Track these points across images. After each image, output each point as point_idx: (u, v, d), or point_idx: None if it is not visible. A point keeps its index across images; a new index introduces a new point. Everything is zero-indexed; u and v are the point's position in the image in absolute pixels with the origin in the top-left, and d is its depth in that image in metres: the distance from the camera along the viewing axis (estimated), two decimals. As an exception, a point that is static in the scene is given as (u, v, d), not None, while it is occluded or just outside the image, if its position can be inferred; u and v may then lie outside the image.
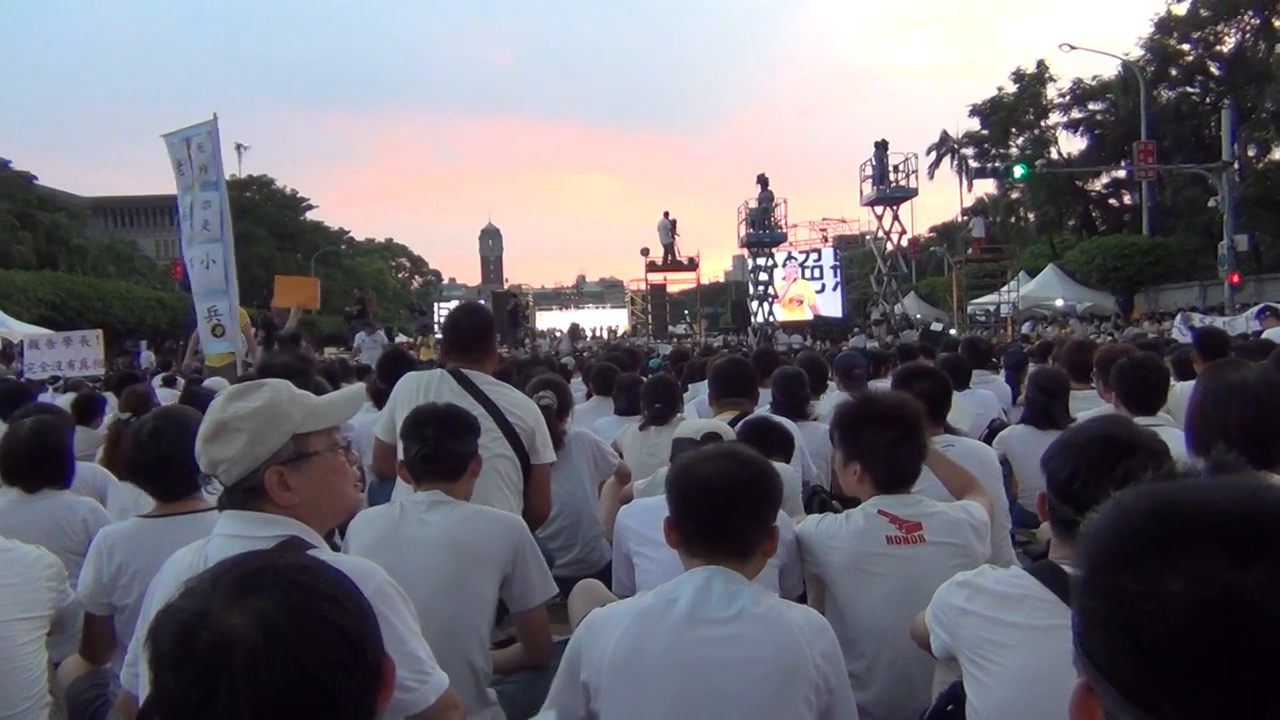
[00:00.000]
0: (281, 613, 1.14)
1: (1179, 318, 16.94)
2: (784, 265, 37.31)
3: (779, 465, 3.90)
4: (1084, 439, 2.24)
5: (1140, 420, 4.07)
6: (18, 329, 30.32)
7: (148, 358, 26.74)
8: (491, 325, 4.41)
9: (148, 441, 3.06)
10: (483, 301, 44.07)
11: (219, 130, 9.30)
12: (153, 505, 3.13)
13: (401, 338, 30.49)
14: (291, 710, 1.11)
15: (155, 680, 1.13)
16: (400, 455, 3.23)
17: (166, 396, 8.67)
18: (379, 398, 5.35)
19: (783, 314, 36.39)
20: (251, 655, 1.10)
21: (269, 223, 62.35)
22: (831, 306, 37.47)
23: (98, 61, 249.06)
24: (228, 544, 2.03)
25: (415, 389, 3.91)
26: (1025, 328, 29.45)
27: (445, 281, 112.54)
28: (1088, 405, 5.30)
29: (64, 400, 8.26)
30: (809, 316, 36.98)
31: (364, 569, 1.99)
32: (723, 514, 2.27)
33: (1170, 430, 3.89)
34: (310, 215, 73.68)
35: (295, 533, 2.09)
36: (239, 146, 60.66)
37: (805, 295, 37.45)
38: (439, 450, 3.07)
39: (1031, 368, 7.43)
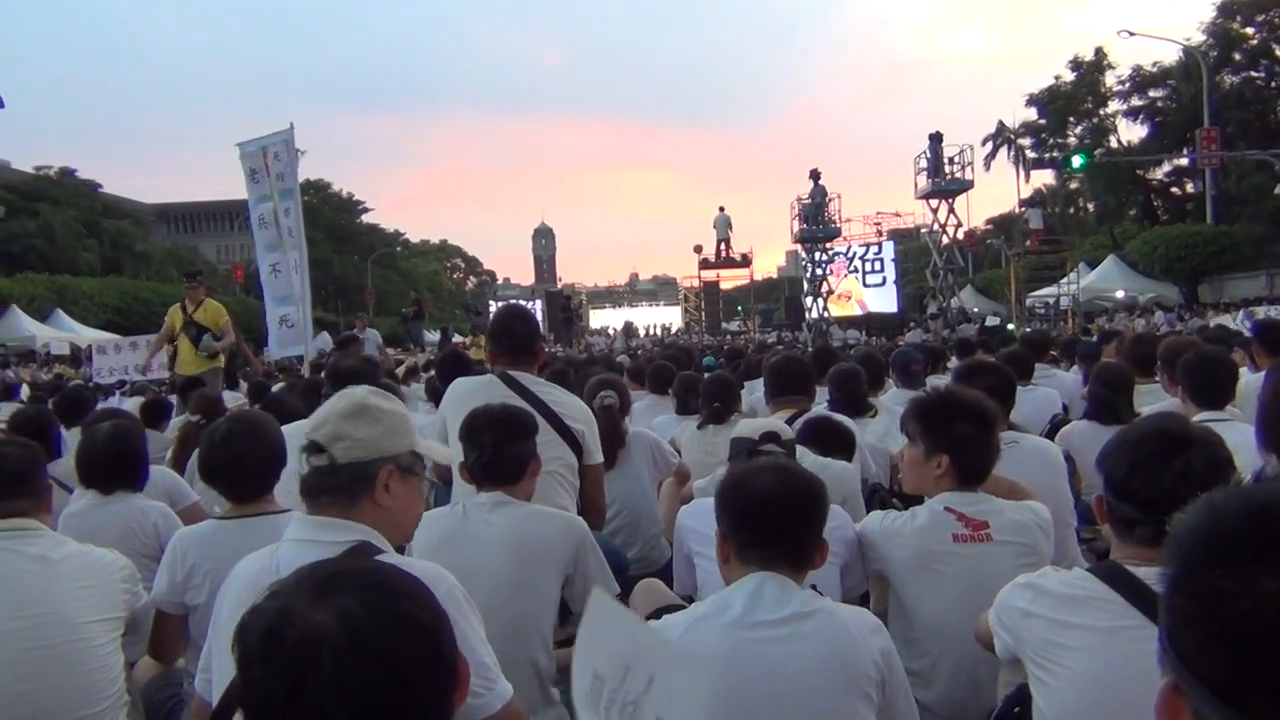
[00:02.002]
0: (364, 610, 1.17)
1: (1241, 313, 16.55)
2: (833, 260, 37.05)
3: (840, 463, 3.92)
4: (1138, 436, 2.23)
5: (1208, 415, 4.02)
6: (85, 334, 31.04)
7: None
8: (538, 326, 4.46)
9: (222, 444, 3.12)
10: (537, 302, 44.45)
11: (294, 138, 9.48)
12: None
13: (457, 338, 30.77)
14: (376, 704, 1.14)
15: (242, 678, 1.17)
16: (459, 458, 3.27)
17: (230, 399, 8.84)
18: (438, 397, 5.42)
19: (833, 310, 36.17)
20: (337, 651, 1.13)
21: (326, 226, 63.11)
22: (887, 301, 37.17)
23: (160, 69, 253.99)
24: (299, 548, 2.07)
25: (467, 394, 3.94)
26: (1102, 322, 28.91)
27: (499, 281, 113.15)
28: (1152, 400, 5.21)
29: (131, 404, 8.46)
30: (857, 312, 36.70)
31: (433, 572, 2.03)
32: (776, 526, 2.28)
33: (1238, 425, 3.81)
34: (366, 218, 74.63)
35: (366, 538, 2.13)
36: (297, 151, 61.62)
37: (853, 290, 37.17)
38: (498, 456, 3.11)
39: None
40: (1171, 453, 2.13)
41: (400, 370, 12.63)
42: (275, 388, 8.15)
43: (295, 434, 3.53)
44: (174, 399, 8.53)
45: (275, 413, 4.25)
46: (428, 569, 2.03)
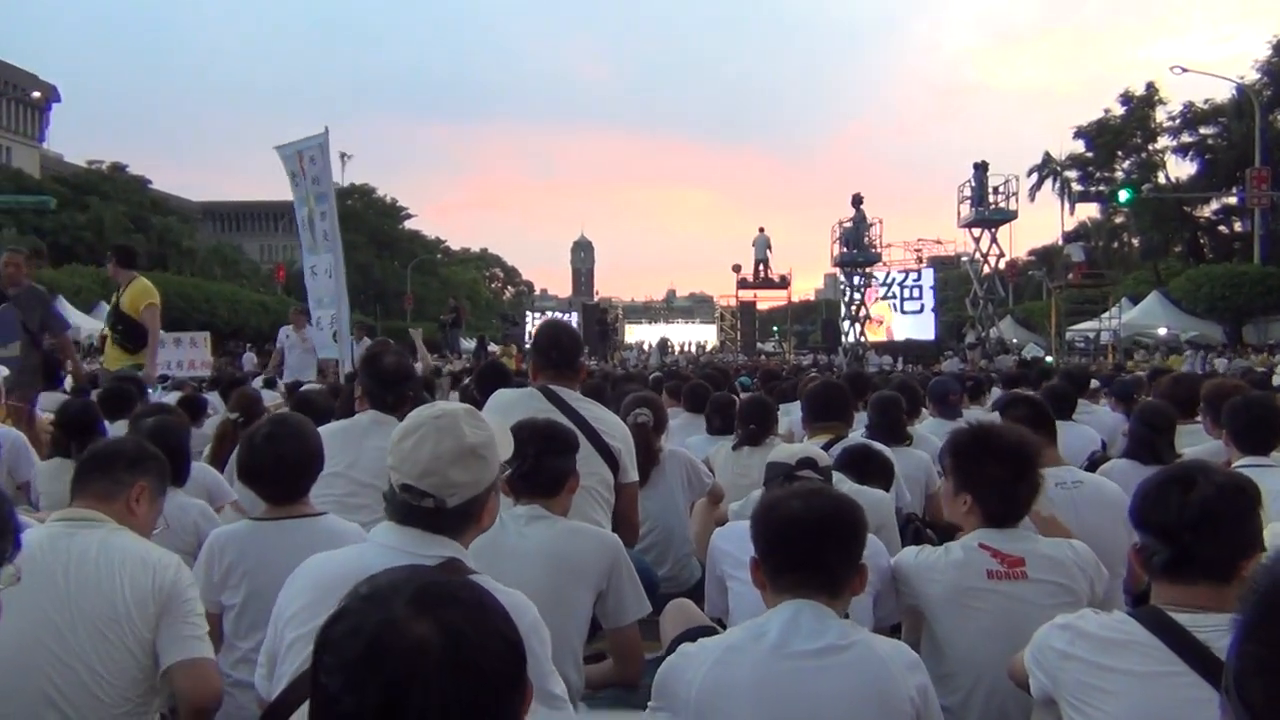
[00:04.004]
0: (468, 624, 1.19)
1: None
2: (869, 285, 36.86)
3: (876, 492, 3.89)
4: (1159, 476, 2.27)
5: (1252, 460, 3.97)
6: (129, 327, 31.30)
7: (250, 359, 27.54)
8: (582, 343, 4.47)
9: (263, 445, 3.14)
10: (574, 314, 44.60)
11: (329, 142, 9.55)
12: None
13: (493, 347, 30.94)
14: (474, 716, 1.16)
15: (331, 681, 1.17)
16: None
17: (267, 399, 8.93)
18: (476, 409, 5.44)
19: (870, 335, 35.98)
20: (443, 665, 1.15)
21: (369, 230, 63.66)
22: (924, 329, 36.90)
23: (214, 70, 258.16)
24: (389, 555, 2.06)
25: (508, 406, 3.94)
26: (1140, 358, 28.58)
27: (537, 293, 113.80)
28: (1192, 440, 5.15)
29: (170, 399, 8.56)
30: (885, 338, 36.46)
31: (520, 603, 2.05)
32: (814, 551, 2.27)
33: (1284, 472, 3.77)
34: (408, 224, 75.15)
35: (458, 555, 2.15)
36: (343, 155, 62.12)
37: (885, 316, 36.90)
38: (540, 466, 3.11)
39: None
40: (1187, 483, 2.15)
41: (447, 380, 12.69)
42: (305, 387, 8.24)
43: (330, 436, 3.58)
44: (212, 395, 8.62)
45: (305, 412, 4.29)
46: (514, 598, 2.03)
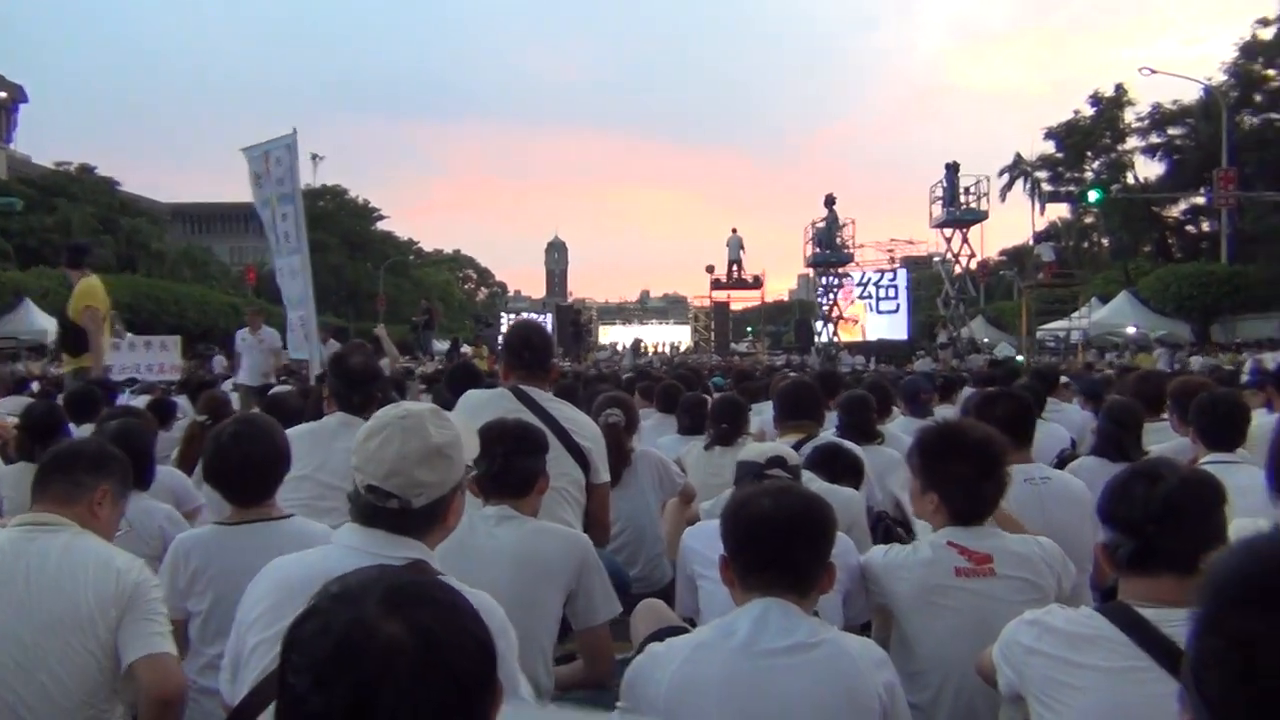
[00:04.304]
0: (440, 624, 1.19)
1: (1249, 362, 16.44)
2: (843, 285, 37.04)
3: (846, 491, 3.90)
4: (1124, 473, 2.31)
5: (1217, 457, 4.01)
6: (97, 330, 30.96)
7: (220, 362, 27.31)
8: (553, 344, 4.46)
9: (229, 445, 3.09)
10: (547, 315, 44.62)
11: (298, 143, 9.48)
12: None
13: (466, 348, 30.86)
14: (444, 717, 1.15)
15: (299, 683, 1.15)
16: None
17: (236, 401, 8.86)
18: (446, 409, 5.41)
19: (841, 334, 36.16)
20: (414, 665, 1.14)
21: (341, 232, 63.26)
22: (897, 329, 37.12)
23: (179, 71, 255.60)
24: (353, 557, 2.04)
25: (478, 406, 3.92)
26: (1112, 357, 28.84)
27: (510, 294, 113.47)
28: (1159, 438, 5.19)
29: (138, 403, 8.48)
30: (860, 338, 36.65)
31: (488, 604, 2.02)
32: (783, 549, 2.27)
33: (1247, 468, 3.80)
34: (381, 225, 74.76)
35: (424, 557, 2.13)
36: (314, 156, 61.70)
37: (860, 316, 37.11)
38: (509, 467, 3.10)
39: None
40: (1152, 478, 2.19)
41: (417, 380, 12.50)
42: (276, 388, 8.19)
43: (298, 438, 3.55)
44: (181, 399, 8.54)
45: (275, 414, 4.25)
46: (482, 600, 1.99)
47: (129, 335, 13.99)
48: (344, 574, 1.29)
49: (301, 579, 2.03)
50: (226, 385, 11.98)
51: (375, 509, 2.13)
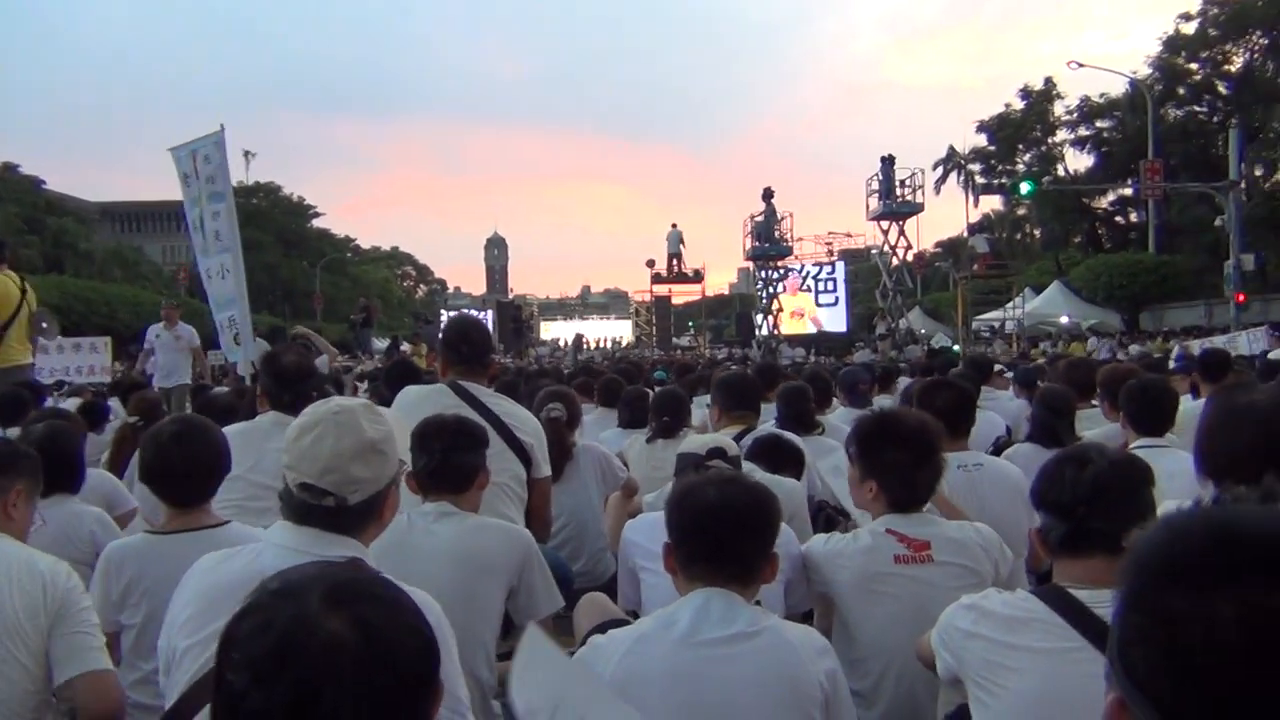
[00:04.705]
0: (381, 620, 1.18)
1: (1176, 350, 16.83)
2: (787, 278, 37.32)
3: (788, 481, 3.93)
4: (1056, 457, 2.36)
5: (1147, 442, 4.09)
6: (24, 332, 30.20)
7: (153, 363, 26.78)
8: (492, 339, 4.44)
9: (170, 445, 3.00)
10: (488, 312, 44.35)
11: (226, 140, 9.30)
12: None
13: (405, 346, 30.55)
14: (387, 714, 1.14)
15: (240, 681, 1.13)
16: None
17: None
18: (385, 406, 5.36)
19: (785, 327, 36.40)
20: (357, 662, 1.12)
21: (275, 230, 62.34)
22: (837, 321, 37.45)
23: (108, 66, 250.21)
24: (287, 556, 1.99)
25: (416, 402, 3.89)
26: (1046, 346, 29.36)
27: (450, 290, 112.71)
28: (1091, 424, 5.30)
29: (68, 405, 8.28)
30: (811, 330, 36.96)
31: (425, 600, 1.99)
32: (729, 540, 2.28)
33: (1176, 452, 3.88)
34: (317, 222, 73.80)
35: (360, 555, 2.06)
36: (246, 153, 60.66)
37: (806, 308, 37.40)
38: (447, 462, 3.08)
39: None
40: (1081, 461, 2.24)
41: (353, 377, 12.28)
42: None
43: (230, 438, 3.47)
44: (114, 401, 8.36)
45: (214, 415, 4.16)
46: (420, 598, 1.98)
47: (59, 337, 13.52)
48: (284, 570, 1.28)
49: (233, 580, 1.99)
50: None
51: (309, 507, 2.09)
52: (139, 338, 13.58)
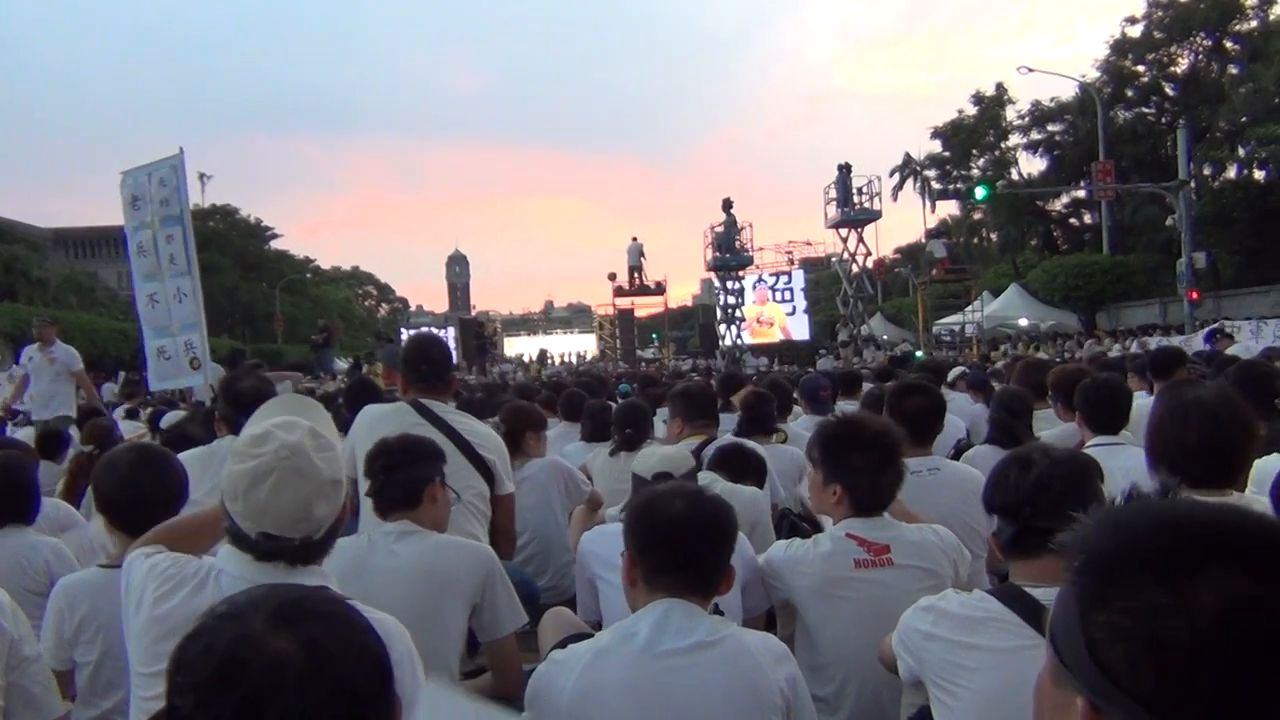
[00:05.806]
0: (329, 639, 1.16)
1: (1135, 344, 17.10)
2: (754, 288, 37.50)
3: (750, 490, 3.94)
4: (1002, 463, 2.40)
5: (1103, 440, 4.14)
6: (-24, 363, 29.84)
7: (110, 389, 26.39)
8: (452, 356, 4.43)
9: (128, 474, 2.95)
10: (450, 329, 44.14)
11: (185, 163, 9.21)
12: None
13: (367, 366, 30.33)
14: None
15: (187, 704, 1.12)
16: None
17: (130, 429, 8.56)
18: (347, 428, 5.32)
19: (751, 337, 36.54)
20: (302, 679, 1.11)
21: (233, 252, 61.71)
22: (800, 329, 37.67)
23: (59, 90, 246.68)
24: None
25: (375, 422, 3.87)
26: (1006, 348, 29.64)
27: (413, 309, 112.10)
28: (1049, 425, 5.35)
29: (25, 434, 8.15)
30: (780, 338, 37.15)
31: (393, 629, 1.96)
32: (696, 552, 2.28)
33: (1132, 449, 3.93)
34: (275, 244, 73.16)
35: (326, 583, 1.99)
36: (202, 176, 59.91)
37: (776, 318, 37.61)
38: (389, 482, 3.08)
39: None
40: (1026, 462, 2.28)
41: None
42: (172, 416, 7.94)
43: (191, 461, 3.44)
44: (74, 430, 8.23)
45: (176, 444, 4.12)
46: (387, 625, 1.92)
47: (12, 366, 13.25)
48: (232, 594, 1.26)
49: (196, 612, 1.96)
50: (118, 413, 11.54)
51: (275, 549, 2.02)
52: (17, 358, 11.97)
